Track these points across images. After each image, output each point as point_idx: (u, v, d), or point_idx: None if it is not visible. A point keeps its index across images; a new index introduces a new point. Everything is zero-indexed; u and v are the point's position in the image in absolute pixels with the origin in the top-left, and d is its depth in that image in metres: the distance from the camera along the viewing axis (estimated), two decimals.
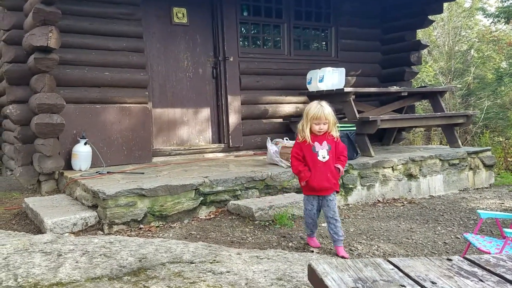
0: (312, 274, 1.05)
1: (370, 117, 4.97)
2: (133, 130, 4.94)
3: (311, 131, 2.99)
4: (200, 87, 5.68)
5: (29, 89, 4.42)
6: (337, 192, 3.11)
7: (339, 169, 3.05)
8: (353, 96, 5.23)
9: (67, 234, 3.07)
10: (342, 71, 5.68)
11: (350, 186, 4.51)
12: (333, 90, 5.28)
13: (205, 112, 5.72)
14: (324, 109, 2.99)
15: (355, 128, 4.85)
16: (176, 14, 5.47)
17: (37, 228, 3.41)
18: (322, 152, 3.00)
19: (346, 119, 5.22)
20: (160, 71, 5.41)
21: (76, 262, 2.28)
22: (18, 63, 4.51)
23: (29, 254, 2.37)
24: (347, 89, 5.14)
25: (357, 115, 5.07)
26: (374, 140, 6.10)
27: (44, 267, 2.21)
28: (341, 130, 4.78)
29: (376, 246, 3.20)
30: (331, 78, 5.50)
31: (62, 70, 4.52)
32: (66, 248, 2.47)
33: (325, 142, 3.01)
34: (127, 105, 4.95)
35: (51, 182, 4.51)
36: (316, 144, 3.00)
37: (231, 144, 5.72)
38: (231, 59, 5.69)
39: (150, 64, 5.30)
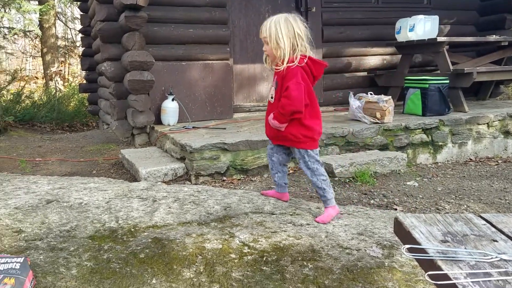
0: (399, 227, 1.03)
1: (465, 69, 4.58)
2: (215, 87, 5.06)
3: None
4: None
5: (121, 47, 4.68)
6: (304, 148, 2.40)
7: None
8: (447, 46, 4.83)
9: (159, 182, 3.31)
10: (435, 19, 5.24)
11: (440, 143, 4.27)
12: (424, 39, 4.92)
13: None
14: (268, 20, 2.22)
15: (448, 81, 4.52)
16: None
17: (132, 176, 3.72)
18: (272, 90, 2.39)
19: (438, 71, 4.87)
20: (241, 26, 5.41)
21: (169, 207, 2.47)
22: (110, 22, 4.75)
23: (128, 199, 2.61)
24: (440, 39, 4.75)
25: (451, 67, 4.70)
26: (468, 94, 5.64)
27: (141, 211, 2.43)
28: (432, 84, 4.49)
29: (465, 206, 3.04)
30: (422, 26, 5.11)
31: (150, 28, 4.70)
32: (160, 195, 2.68)
33: (276, 76, 2.32)
34: (210, 61, 5.06)
35: (143, 135, 4.85)
36: (276, 78, 2.34)
37: None
38: (314, 10, 5.50)
39: (232, 19, 5.32)
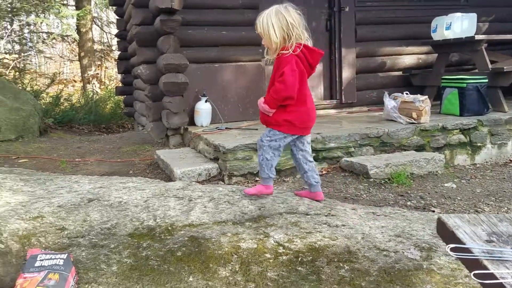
0: (442, 227, 1.01)
1: (504, 67, 4.44)
2: (247, 88, 5.10)
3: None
4: (313, 41, 5.56)
5: (157, 50, 4.79)
6: (276, 129, 2.45)
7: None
8: (485, 45, 4.68)
9: (194, 182, 3.36)
10: (472, 16, 5.10)
11: (479, 144, 4.14)
12: (462, 38, 4.79)
13: (317, 67, 5.63)
14: (261, 15, 2.27)
15: (486, 81, 4.38)
16: None
17: (167, 176, 3.80)
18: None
19: (476, 70, 4.74)
20: None
21: (204, 207, 2.51)
22: (146, 25, 4.87)
23: (165, 198, 2.66)
24: (478, 37, 4.61)
25: (490, 66, 4.55)
26: (507, 94, 5.44)
27: (178, 210, 2.47)
28: (470, 83, 4.36)
29: (505, 208, 2.94)
30: (460, 24, 4.99)
31: (184, 31, 4.78)
32: (195, 195, 2.72)
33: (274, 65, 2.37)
34: (242, 63, 5.10)
35: (177, 136, 4.94)
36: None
37: (343, 100, 5.59)
38: (347, 9, 5.46)
39: None
